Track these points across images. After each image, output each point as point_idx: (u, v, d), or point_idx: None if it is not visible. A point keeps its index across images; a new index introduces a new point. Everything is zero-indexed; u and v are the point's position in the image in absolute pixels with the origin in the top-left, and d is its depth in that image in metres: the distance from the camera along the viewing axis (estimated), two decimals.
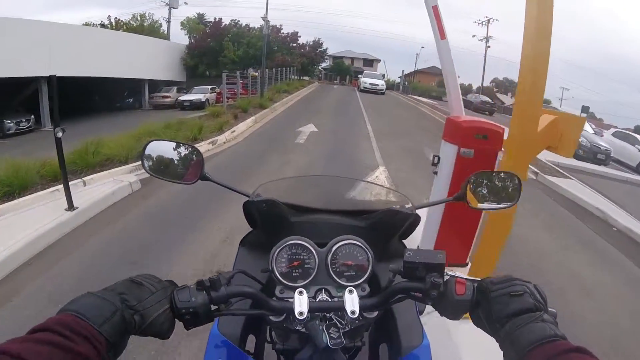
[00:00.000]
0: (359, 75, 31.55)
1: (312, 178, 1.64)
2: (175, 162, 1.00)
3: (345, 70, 52.38)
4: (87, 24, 28.31)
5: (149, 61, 25.07)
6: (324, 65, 56.50)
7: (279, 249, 0.83)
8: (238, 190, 1.01)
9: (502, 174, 1.05)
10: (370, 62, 58.99)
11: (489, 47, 36.41)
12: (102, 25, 32.32)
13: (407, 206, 0.97)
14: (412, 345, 0.87)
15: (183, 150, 1.02)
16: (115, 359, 0.57)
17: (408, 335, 0.89)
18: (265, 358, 1.06)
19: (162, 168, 1.00)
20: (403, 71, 38.20)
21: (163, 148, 1.01)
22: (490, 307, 0.65)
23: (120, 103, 25.05)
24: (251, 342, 1.00)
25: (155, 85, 25.97)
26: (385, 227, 0.99)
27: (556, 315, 0.64)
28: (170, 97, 23.73)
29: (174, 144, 1.03)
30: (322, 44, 36.28)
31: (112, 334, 0.55)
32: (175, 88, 24.98)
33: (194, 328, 0.70)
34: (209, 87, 22.89)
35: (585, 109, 34.20)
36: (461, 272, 0.84)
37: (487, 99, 29.96)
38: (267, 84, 17.52)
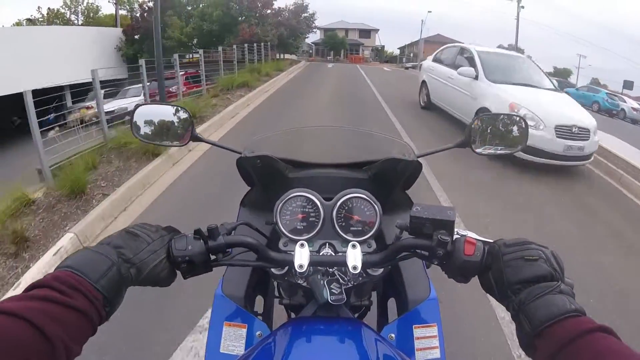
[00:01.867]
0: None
1: (306, 130, 1.38)
2: (165, 125, 0.94)
3: (339, 44, 43.86)
4: (18, 24, 21.17)
5: (71, 59, 17.53)
6: (313, 39, 48.21)
7: (283, 201, 0.78)
8: (229, 147, 0.97)
9: (507, 116, 0.97)
10: (367, 33, 50.41)
11: (522, 7, 27.37)
12: (30, 21, 24.43)
13: (408, 154, 0.89)
14: (419, 299, 0.85)
15: (171, 112, 0.94)
16: (112, 312, 0.56)
17: (414, 288, 0.87)
18: (275, 318, 1.05)
19: (152, 132, 0.95)
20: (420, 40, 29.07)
21: (151, 112, 0.96)
22: (501, 270, 0.59)
23: (43, 122, 17.48)
24: (260, 303, 1.00)
25: (87, 90, 18.43)
26: (387, 178, 0.93)
27: (573, 286, 0.57)
28: (93, 107, 16.04)
29: (161, 107, 1.00)
30: (307, 6, 24.55)
31: (108, 289, 0.54)
32: (102, 92, 17.23)
33: (192, 277, 0.67)
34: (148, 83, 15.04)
35: (628, 84, 25.51)
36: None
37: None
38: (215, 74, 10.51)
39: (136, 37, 21.63)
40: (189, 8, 21.33)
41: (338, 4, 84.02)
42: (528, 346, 0.53)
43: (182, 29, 20.11)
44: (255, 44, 15.42)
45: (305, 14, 24.70)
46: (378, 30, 51.33)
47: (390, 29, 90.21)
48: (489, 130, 0.94)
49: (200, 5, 21.08)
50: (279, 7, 22.77)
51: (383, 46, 55.21)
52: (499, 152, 0.94)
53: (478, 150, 0.93)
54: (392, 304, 0.96)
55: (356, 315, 0.92)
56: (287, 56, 24.16)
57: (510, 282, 0.57)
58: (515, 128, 0.95)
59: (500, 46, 51.11)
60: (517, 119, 0.96)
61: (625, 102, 19.78)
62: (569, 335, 0.47)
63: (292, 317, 0.96)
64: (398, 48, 59.75)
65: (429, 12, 41.21)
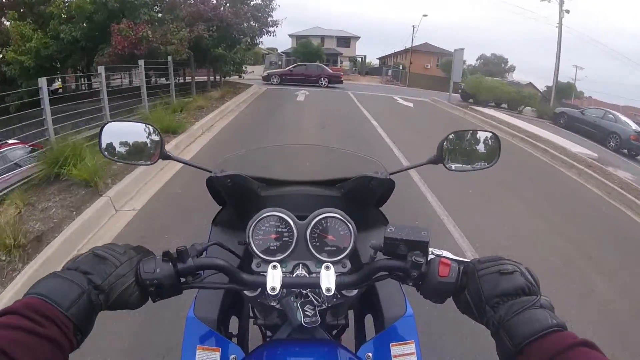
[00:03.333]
0: None
1: (278, 148, 1.32)
2: (134, 143, 0.89)
3: (314, 54, 34.97)
4: None
5: None
6: (282, 46, 38.97)
7: (256, 221, 0.74)
8: (199, 166, 0.92)
9: (480, 133, 0.94)
10: (346, 41, 41.92)
11: (566, 11, 19.16)
12: None
13: (381, 172, 0.88)
14: (395, 316, 0.83)
15: (140, 130, 0.89)
16: (83, 340, 0.54)
17: (390, 306, 0.85)
18: (251, 339, 1.01)
19: (121, 151, 0.90)
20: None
21: (120, 129, 0.91)
22: (477, 287, 0.57)
23: None
24: (235, 323, 0.97)
25: None
26: (361, 195, 0.91)
27: (550, 301, 0.54)
28: None
29: (130, 124, 0.93)
30: None
31: (79, 317, 0.52)
32: None
33: (160, 300, 0.63)
34: None
35: None
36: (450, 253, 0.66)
37: None
38: None
39: None
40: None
41: (311, 11, 75.23)
42: None
43: (26, 40, 9.81)
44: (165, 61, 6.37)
45: (256, 1, 11.73)
46: (359, 37, 42.88)
47: (368, 39, 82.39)
48: (462, 146, 0.92)
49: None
50: None
51: (365, 56, 46.82)
52: (472, 168, 0.93)
53: (451, 167, 0.91)
54: (369, 320, 0.93)
55: (333, 333, 0.92)
56: (227, 78, 13.95)
57: (488, 297, 0.55)
58: (487, 144, 0.93)
59: (482, 56, 43.32)
60: (489, 135, 0.94)
61: None
62: (552, 351, 0.46)
63: (267, 340, 0.90)
64: (377, 58, 51.62)
65: (424, 15, 32.86)
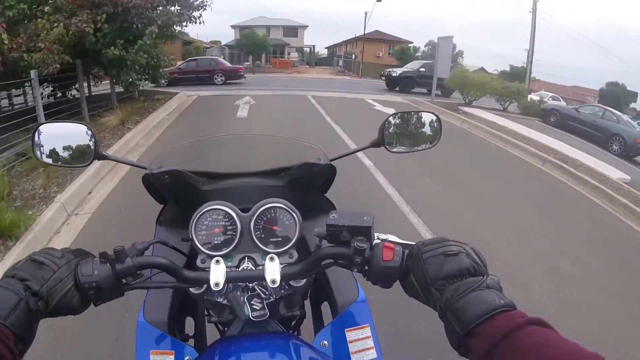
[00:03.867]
0: None
1: (217, 140, 1.29)
2: (69, 144, 0.85)
3: (259, 45, 32.00)
4: None
5: None
6: (225, 39, 35.10)
7: (198, 216, 0.72)
8: (134, 163, 0.90)
9: (421, 114, 0.95)
10: (293, 30, 39.10)
11: None
12: None
13: (322, 158, 0.86)
14: (348, 302, 0.82)
15: (74, 130, 0.85)
16: (26, 349, 0.52)
17: (342, 292, 0.84)
18: (209, 337, 0.97)
19: (55, 153, 0.85)
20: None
21: (54, 131, 0.86)
22: (422, 270, 0.56)
23: None
24: (191, 324, 0.95)
25: None
26: (304, 183, 0.90)
27: (499, 281, 0.53)
28: None
29: (64, 125, 0.89)
30: None
31: (18, 326, 0.49)
32: None
33: (103, 303, 0.61)
34: None
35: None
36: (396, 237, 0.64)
37: None
38: None
39: None
40: None
41: (256, 3, 70.85)
42: (459, 346, 0.50)
43: None
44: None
45: None
46: (307, 27, 40.28)
47: (315, 27, 79.74)
48: (403, 128, 0.92)
49: None
50: None
51: (313, 46, 44.35)
52: (414, 149, 0.93)
53: (393, 150, 0.90)
54: (326, 307, 0.91)
55: (292, 325, 0.91)
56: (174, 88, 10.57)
57: (433, 279, 0.54)
58: (428, 125, 0.93)
59: (430, 42, 41.62)
60: (433, 117, 0.93)
61: None
62: (502, 332, 0.45)
63: (219, 338, 0.87)
64: (326, 48, 49.31)
65: (377, 1, 30.06)
